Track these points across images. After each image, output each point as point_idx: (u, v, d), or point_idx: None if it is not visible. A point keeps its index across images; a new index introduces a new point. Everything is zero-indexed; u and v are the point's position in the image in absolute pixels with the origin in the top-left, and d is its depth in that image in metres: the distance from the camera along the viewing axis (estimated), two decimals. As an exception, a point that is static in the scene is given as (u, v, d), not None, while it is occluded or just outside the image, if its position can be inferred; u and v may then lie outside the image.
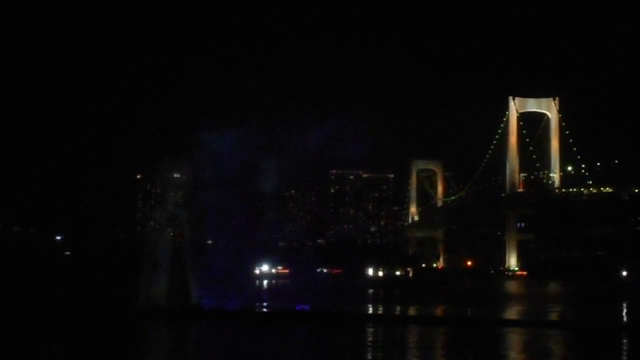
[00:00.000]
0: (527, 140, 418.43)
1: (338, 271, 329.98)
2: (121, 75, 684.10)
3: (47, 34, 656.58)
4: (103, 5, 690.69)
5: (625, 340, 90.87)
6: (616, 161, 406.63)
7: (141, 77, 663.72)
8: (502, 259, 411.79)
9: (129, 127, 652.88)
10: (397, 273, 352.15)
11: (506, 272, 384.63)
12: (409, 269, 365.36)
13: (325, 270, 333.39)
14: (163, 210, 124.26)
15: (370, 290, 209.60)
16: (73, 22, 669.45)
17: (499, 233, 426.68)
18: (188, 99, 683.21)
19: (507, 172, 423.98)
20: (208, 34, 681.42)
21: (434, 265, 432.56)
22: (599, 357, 79.18)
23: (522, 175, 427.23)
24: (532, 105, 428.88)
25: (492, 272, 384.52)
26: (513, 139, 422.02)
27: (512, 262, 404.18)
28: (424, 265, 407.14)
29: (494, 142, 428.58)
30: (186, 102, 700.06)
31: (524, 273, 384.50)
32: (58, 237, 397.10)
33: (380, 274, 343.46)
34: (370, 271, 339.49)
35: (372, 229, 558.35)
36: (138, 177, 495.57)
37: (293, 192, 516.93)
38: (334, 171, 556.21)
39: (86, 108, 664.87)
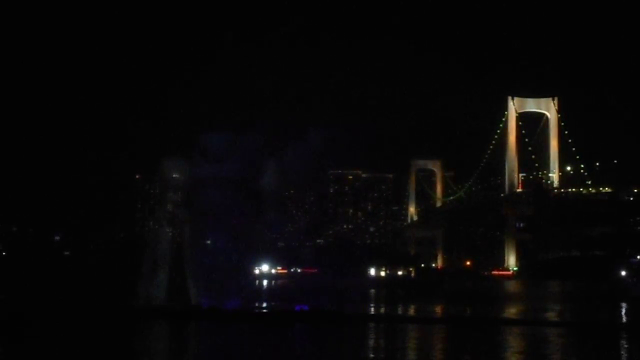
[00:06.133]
0: (526, 140, 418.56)
1: (313, 271, 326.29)
2: (121, 75, 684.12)
3: (48, 34, 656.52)
4: (103, 5, 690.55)
5: (624, 340, 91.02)
6: (615, 161, 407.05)
7: (142, 77, 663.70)
8: (500, 259, 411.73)
9: (128, 127, 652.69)
10: (399, 273, 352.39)
11: (484, 272, 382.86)
12: (411, 269, 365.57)
13: (299, 270, 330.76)
14: (163, 210, 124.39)
15: (372, 291, 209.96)
16: (74, 21, 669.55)
17: (498, 233, 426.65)
18: (188, 99, 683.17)
19: (506, 172, 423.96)
20: (208, 34, 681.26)
21: (433, 265, 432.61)
22: (598, 357, 79.32)
23: (521, 175, 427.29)
24: (531, 105, 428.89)
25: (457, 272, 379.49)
26: (512, 139, 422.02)
27: (511, 262, 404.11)
28: (422, 265, 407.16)
29: (493, 142, 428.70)
30: (186, 102, 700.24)
31: (508, 273, 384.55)
32: (57, 237, 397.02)
33: (382, 274, 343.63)
34: (372, 271, 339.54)
35: (372, 229, 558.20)
36: (137, 177, 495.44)
37: (292, 192, 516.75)
38: (333, 171, 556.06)
39: (86, 108, 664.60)
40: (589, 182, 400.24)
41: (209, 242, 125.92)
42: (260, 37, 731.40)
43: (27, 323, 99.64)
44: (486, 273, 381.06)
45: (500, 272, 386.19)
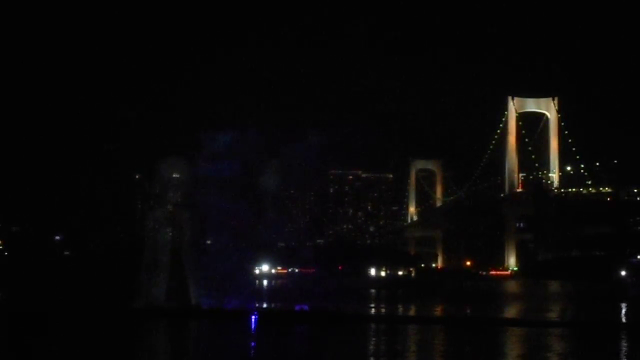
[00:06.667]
0: (526, 140, 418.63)
1: (310, 271, 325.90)
2: (122, 74, 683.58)
3: (47, 34, 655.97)
4: (104, 5, 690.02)
5: (624, 340, 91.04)
6: (615, 161, 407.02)
7: (141, 77, 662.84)
8: (500, 259, 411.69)
9: (129, 127, 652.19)
10: (400, 273, 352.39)
11: (482, 273, 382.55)
12: (411, 269, 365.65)
13: (297, 270, 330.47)
14: (163, 210, 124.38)
15: (373, 290, 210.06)
16: (74, 20, 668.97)
17: (498, 233, 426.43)
18: (188, 99, 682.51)
19: (506, 172, 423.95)
20: (209, 34, 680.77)
21: (433, 265, 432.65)
22: (598, 357, 79.34)
23: (521, 175, 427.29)
24: (531, 105, 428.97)
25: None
26: (512, 139, 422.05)
27: (511, 262, 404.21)
28: (422, 265, 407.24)
29: (493, 142, 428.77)
30: (186, 103, 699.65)
31: (506, 273, 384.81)
32: (57, 237, 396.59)
33: (383, 274, 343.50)
34: (373, 271, 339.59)
35: (372, 229, 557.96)
36: (137, 177, 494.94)
37: (292, 192, 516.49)
38: (333, 171, 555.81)
39: (86, 107, 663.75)
40: (589, 182, 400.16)
41: (209, 242, 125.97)
42: (261, 37, 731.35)
43: (28, 323, 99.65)
44: (484, 273, 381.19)
45: (498, 272, 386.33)
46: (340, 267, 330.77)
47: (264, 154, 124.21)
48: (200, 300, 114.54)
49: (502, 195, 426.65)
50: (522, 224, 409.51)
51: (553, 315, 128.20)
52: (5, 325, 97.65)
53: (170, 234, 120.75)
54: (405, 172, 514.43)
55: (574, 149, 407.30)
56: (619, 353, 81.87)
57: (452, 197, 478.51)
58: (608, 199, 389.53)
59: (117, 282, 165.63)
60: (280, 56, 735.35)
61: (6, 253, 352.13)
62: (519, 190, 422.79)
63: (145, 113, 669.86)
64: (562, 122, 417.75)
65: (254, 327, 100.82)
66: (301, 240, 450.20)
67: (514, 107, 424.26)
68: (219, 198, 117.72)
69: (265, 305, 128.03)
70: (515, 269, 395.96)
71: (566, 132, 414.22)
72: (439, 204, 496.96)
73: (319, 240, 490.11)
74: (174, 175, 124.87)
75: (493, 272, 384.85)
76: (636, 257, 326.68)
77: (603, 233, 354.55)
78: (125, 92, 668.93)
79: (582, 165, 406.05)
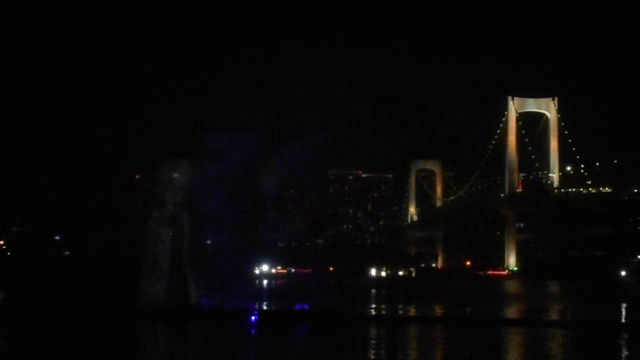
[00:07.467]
0: (526, 140, 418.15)
1: (307, 271, 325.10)
2: (122, 74, 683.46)
3: (47, 33, 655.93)
4: (104, 4, 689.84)
5: (624, 341, 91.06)
6: (615, 161, 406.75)
7: (142, 77, 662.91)
8: (500, 259, 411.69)
9: (129, 127, 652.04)
10: (400, 273, 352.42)
11: (479, 272, 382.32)
12: (411, 269, 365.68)
13: (293, 270, 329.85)
14: (163, 210, 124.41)
15: (373, 290, 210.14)
16: (74, 20, 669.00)
17: (498, 233, 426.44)
18: (189, 99, 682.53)
19: (506, 172, 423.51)
20: (209, 34, 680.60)
21: (433, 265, 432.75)
22: (598, 357, 79.36)
23: (521, 175, 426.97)
24: (531, 105, 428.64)
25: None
26: (512, 139, 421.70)
27: (511, 262, 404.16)
28: (422, 265, 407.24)
29: (493, 142, 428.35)
30: (187, 103, 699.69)
31: (503, 273, 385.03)
32: (57, 237, 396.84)
33: (383, 274, 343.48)
34: (373, 271, 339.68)
35: (372, 229, 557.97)
36: (137, 177, 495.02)
37: (292, 192, 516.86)
38: (333, 171, 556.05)
39: (86, 107, 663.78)
40: (589, 182, 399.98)
41: (209, 242, 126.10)
42: (261, 37, 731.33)
43: (28, 322, 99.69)
44: (481, 273, 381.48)
45: (496, 272, 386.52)
46: (332, 269, 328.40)
47: (264, 154, 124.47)
48: (200, 300, 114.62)
49: (502, 195, 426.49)
50: (522, 224, 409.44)
51: (557, 315, 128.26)
52: (5, 325, 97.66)
53: (170, 234, 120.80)
54: (406, 172, 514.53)
55: (574, 149, 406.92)
56: (619, 353, 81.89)
57: (452, 197, 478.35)
58: (608, 199, 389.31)
59: (117, 282, 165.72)
60: (280, 56, 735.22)
61: (9, 253, 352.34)
62: (519, 190, 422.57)
63: (146, 113, 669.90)
64: (562, 122, 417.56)
65: (254, 327, 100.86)
66: (301, 240, 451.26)
67: (514, 107, 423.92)
68: (219, 198, 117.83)
69: (265, 305, 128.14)
70: (515, 269, 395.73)
71: (566, 132, 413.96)
72: (439, 204, 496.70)
73: (318, 240, 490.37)
74: (174, 176, 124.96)
75: (491, 272, 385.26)
76: (636, 257, 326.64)
77: (603, 233, 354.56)
78: (126, 93, 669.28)
79: (582, 165, 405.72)
